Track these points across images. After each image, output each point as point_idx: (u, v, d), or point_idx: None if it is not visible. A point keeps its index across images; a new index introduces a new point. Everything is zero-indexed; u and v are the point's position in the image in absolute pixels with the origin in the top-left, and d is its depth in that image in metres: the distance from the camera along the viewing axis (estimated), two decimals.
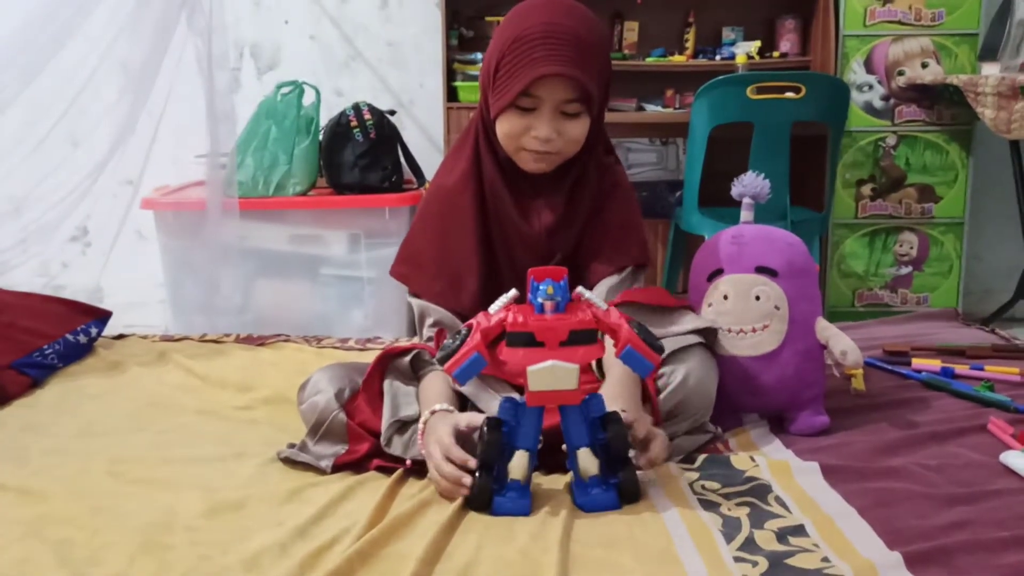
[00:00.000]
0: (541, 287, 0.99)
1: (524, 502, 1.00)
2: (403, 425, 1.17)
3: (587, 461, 1.01)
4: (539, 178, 1.24)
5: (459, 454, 1.04)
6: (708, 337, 1.22)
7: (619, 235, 1.28)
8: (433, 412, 1.11)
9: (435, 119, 2.67)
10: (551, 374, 0.96)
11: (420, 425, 1.11)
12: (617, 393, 1.10)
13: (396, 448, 1.14)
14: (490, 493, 1.01)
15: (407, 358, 1.23)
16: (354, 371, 1.23)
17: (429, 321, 1.27)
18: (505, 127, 1.20)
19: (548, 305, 0.99)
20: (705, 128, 2.25)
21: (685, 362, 1.17)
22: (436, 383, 1.18)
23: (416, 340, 1.31)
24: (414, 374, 1.24)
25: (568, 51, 1.14)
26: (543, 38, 1.14)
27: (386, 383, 1.21)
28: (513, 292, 1.02)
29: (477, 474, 1.02)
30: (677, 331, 1.21)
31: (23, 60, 1.83)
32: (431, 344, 1.25)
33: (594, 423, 1.01)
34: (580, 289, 1.02)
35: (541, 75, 1.14)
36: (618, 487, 1.01)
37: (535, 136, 1.18)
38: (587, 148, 1.24)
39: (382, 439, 1.15)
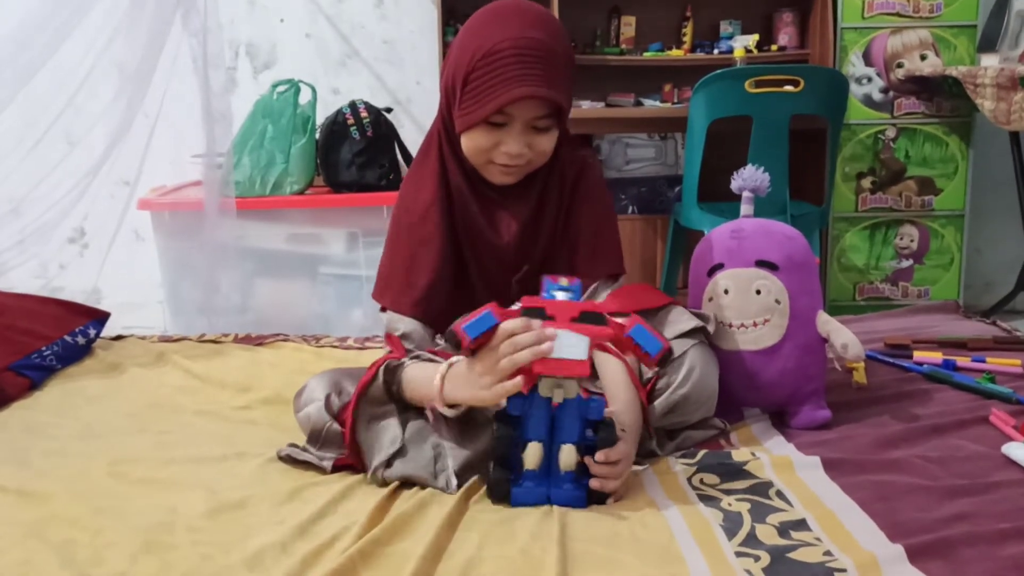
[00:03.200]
0: (555, 283, 1.02)
1: (541, 491, 1.02)
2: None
3: (568, 456, 1.01)
4: (506, 187, 1.22)
5: (510, 326, 0.98)
6: (703, 331, 1.21)
7: (591, 245, 1.25)
8: (449, 365, 1.06)
9: (432, 117, 2.64)
10: (561, 341, 0.97)
11: (436, 389, 1.05)
12: (618, 396, 1.10)
13: (396, 468, 1.09)
14: (508, 485, 1.02)
15: (378, 382, 1.13)
16: (345, 377, 1.19)
17: (398, 332, 1.22)
18: (473, 142, 1.17)
19: (561, 295, 1.01)
20: (703, 123, 2.25)
21: (685, 357, 1.16)
22: (423, 366, 1.12)
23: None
24: (387, 389, 1.14)
25: (542, 68, 1.11)
26: (517, 55, 1.10)
27: (360, 437, 1.12)
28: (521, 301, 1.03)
29: (492, 467, 1.03)
30: (671, 336, 1.18)
31: (20, 60, 1.83)
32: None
33: (587, 424, 1.02)
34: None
35: (518, 97, 1.10)
36: (587, 487, 1.02)
37: (505, 151, 1.16)
38: (554, 156, 1.22)
39: (370, 476, 1.10)
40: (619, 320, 1.02)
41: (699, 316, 1.23)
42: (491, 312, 0.99)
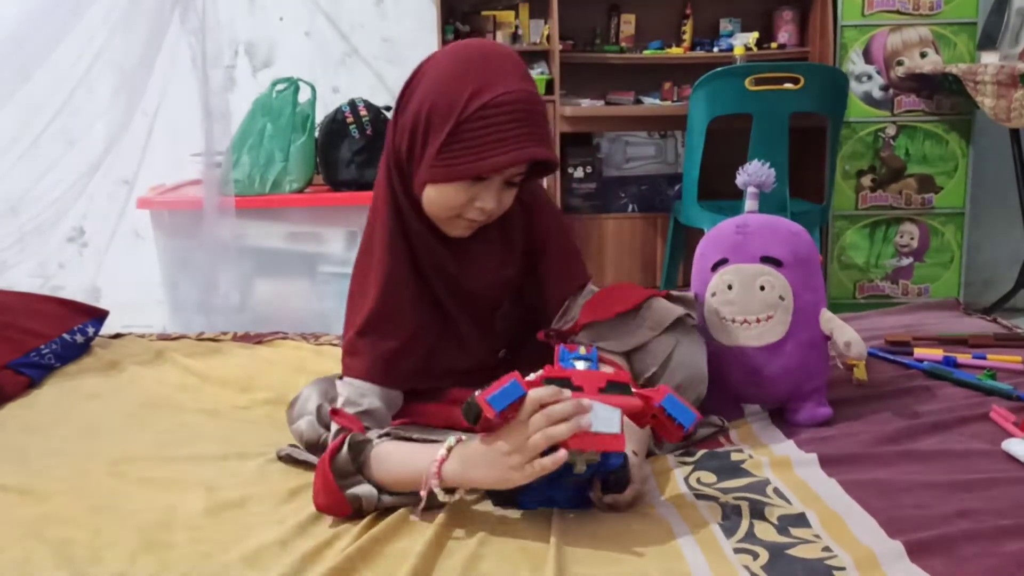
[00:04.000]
0: (573, 353, 0.97)
1: (546, 495, 0.99)
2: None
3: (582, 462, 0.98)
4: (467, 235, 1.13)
5: (538, 395, 0.88)
6: (691, 317, 1.19)
7: (558, 265, 1.21)
8: (449, 448, 0.95)
9: None
10: (595, 415, 0.91)
11: (436, 466, 0.94)
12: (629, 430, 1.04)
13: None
14: (512, 492, 0.98)
15: (343, 452, 0.99)
16: (335, 385, 1.15)
17: (362, 408, 1.08)
18: (442, 198, 1.06)
19: (581, 364, 0.97)
20: (703, 121, 2.25)
21: (663, 341, 1.15)
22: (401, 445, 1.00)
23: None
24: (354, 462, 0.99)
25: (542, 126, 1.04)
26: (519, 111, 1.02)
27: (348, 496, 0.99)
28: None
29: None
30: (653, 335, 1.16)
31: (17, 59, 1.82)
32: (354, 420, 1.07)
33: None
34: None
35: (527, 159, 1.03)
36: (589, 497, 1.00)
37: (480, 207, 1.07)
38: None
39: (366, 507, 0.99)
40: (646, 391, 0.97)
41: (681, 299, 1.20)
42: (517, 381, 0.89)
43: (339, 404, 1.10)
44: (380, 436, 1.02)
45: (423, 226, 1.11)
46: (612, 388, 0.94)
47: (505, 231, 1.18)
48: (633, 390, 0.97)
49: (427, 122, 1.04)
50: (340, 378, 1.13)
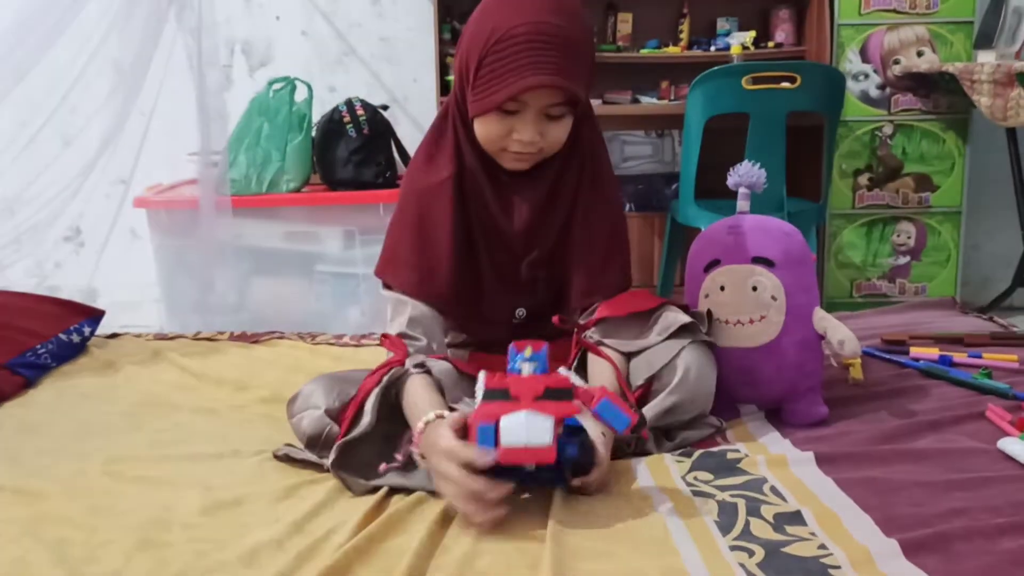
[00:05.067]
0: (520, 354, 0.98)
1: (521, 479, 0.99)
2: (387, 440, 1.10)
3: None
4: (520, 173, 1.21)
5: (466, 454, 0.95)
6: (694, 330, 1.20)
7: (605, 252, 1.24)
8: (427, 423, 1.03)
9: (429, 114, 2.66)
10: (524, 426, 0.94)
11: (415, 436, 1.04)
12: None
13: (390, 478, 1.07)
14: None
15: (380, 387, 1.12)
16: (346, 383, 1.17)
17: (403, 317, 1.20)
18: (485, 130, 1.16)
19: (527, 367, 0.98)
20: (700, 120, 2.25)
21: (682, 358, 1.16)
22: (419, 391, 1.10)
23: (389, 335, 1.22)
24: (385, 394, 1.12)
25: (556, 56, 1.08)
26: (530, 41, 1.07)
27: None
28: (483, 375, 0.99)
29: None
30: (659, 339, 1.18)
31: (13, 58, 1.82)
32: (404, 341, 1.18)
33: (568, 428, 0.99)
34: (562, 369, 1.01)
35: (530, 87, 1.08)
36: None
37: (518, 139, 1.14)
38: (569, 143, 1.21)
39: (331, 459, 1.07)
40: (588, 388, 0.99)
41: (693, 315, 1.22)
42: (492, 430, 0.94)
43: (390, 309, 1.22)
44: (415, 367, 1.12)
45: (477, 160, 1.20)
46: (550, 395, 0.95)
47: (556, 187, 1.22)
48: (575, 391, 0.97)
49: (466, 62, 1.15)
50: (386, 287, 1.25)
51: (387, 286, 1.25)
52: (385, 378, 1.12)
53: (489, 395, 0.96)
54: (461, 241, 1.22)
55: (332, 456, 1.07)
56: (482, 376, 0.99)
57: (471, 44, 1.13)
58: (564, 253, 1.25)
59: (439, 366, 1.15)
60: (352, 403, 1.12)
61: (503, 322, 1.27)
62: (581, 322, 1.23)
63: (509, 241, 1.23)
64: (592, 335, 1.22)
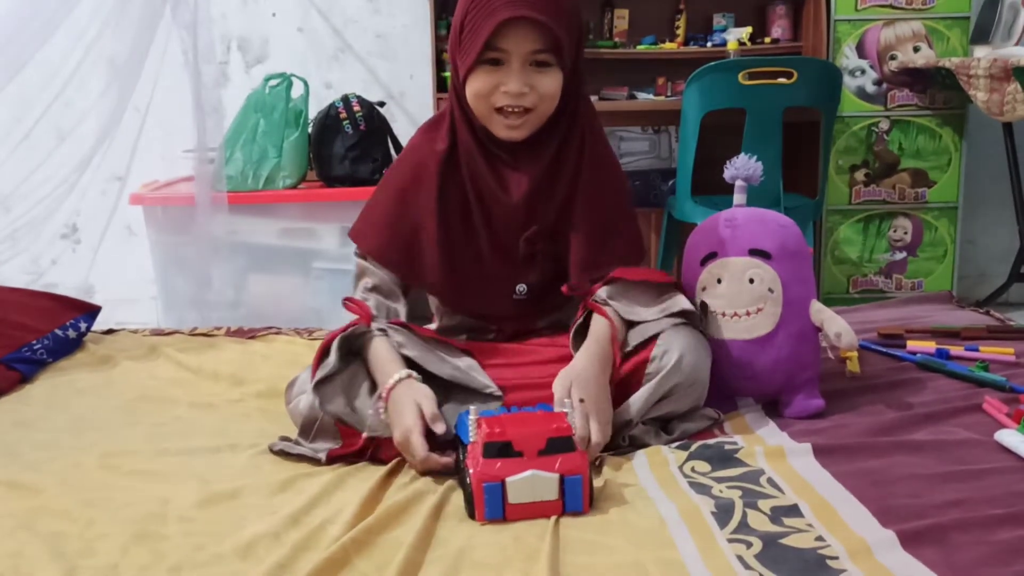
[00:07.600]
0: (465, 419, 1.02)
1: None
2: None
3: None
4: (518, 147, 1.21)
5: (423, 453, 1.05)
6: (693, 319, 1.20)
7: (609, 226, 1.25)
8: (399, 380, 1.10)
9: (425, 110, 2.66)
10: (531, 485, 0.95)
11: (383, 392, 1.10)
12: (576, 364, 1.12)
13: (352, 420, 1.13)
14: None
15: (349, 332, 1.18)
16: None
17: (366, 282, 1.25)
18: (474, 87, 1.16)
19: (472, 431, 0.99)
20: (697, 115, 2.24)
21: (677, 343, 1.16)
22: (383, 351, 1.15)
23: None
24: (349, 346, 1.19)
25: None
26: None
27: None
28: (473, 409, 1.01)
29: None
30: (659, 315, 1.19)
31: (8, 54, 1.81)
32: (368, 304, 1.22)
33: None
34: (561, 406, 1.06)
35: (503, 19, 1.09)
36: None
37: (505, 91, 1.14)
38: (565, 111, 1.21)
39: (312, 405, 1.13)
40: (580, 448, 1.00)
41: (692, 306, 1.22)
42: (500, 489, 0.96)
43: (355, 273, 1.26)
44: (378, 330, 1.17)
45: (471, 136, 1.21)
46: (553, 447, 0.96)
47: (557, 160, 1.22)
48: (575, 440, 0.98)
49: (455, 32, 1.18)
50: (358, 254, 1.27)
51: (360, 254, 1.28)
52: (350, 329, 1.17)
53: (491, 449, 0.96)
54: (447, 213, 1.22)
55: (316, 400, 1.13)
56: (474, 417, 0.99)
57: (457, 14, 1.17)
58: (566, 228, 1.24)
59: (399, 333, 1.18)
60: (319, 350, 1.16)
61: (503, 297, 1.27)
62: (587, 288, 1.24)
63: (506, 213, 1.23)
64: (600, 294, 1.22)
